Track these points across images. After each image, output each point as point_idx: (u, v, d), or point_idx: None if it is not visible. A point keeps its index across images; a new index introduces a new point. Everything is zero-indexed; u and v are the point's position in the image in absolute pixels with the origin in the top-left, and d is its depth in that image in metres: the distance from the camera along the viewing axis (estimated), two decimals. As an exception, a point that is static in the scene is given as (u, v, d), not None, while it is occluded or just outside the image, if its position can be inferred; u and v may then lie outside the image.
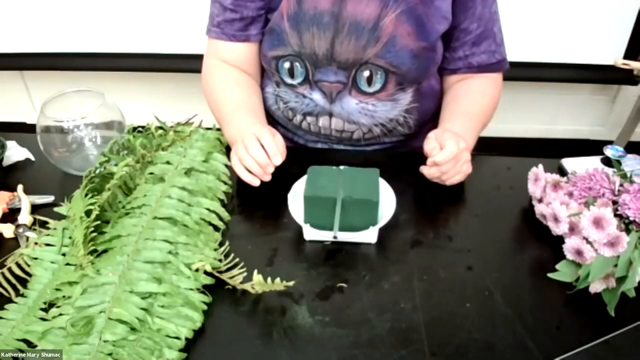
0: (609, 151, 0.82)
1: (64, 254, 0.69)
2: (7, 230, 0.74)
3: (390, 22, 0.81)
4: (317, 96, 0.89)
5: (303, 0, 0.82)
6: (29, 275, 0.67)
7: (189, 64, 1.75)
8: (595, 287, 0.65)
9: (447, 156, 0.75)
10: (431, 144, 0.77)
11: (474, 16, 0.84)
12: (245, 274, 0.65)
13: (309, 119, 0.92)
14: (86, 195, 0.70)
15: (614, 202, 0.68)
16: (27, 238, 0.72)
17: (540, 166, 0.76)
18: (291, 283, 0.61)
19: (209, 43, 0.92)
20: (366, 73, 0.85)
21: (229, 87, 0.89)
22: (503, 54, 0.90)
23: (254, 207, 0.80)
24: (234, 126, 0.84)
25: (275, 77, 0.92)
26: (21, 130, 1.01)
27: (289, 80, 0.89)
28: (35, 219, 0.76)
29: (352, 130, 0.92)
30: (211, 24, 0.90)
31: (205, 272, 0.66)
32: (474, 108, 0.87)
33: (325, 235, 0.70)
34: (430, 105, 0.93)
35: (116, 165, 0.75)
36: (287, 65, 0.87)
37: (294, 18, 0.83)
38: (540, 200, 0.75)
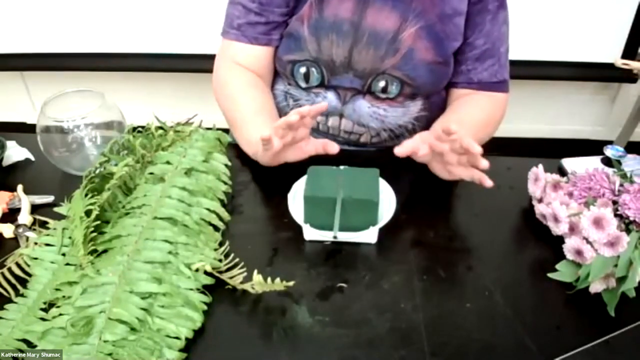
0: (609, 151, 0.82)
1: (64, 254, 0.69)
2: (7, 230, 0.74)
3: (409, 35, 0.82)
4: (330, 96, 0.89)
5: (324, 8, 0.82)
6: (29, 275, 0.67)
7: (189, 64, 1.75)
8: (595, 287, 0.65)
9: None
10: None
11: (481, 32, 0.84)
12: (245, 274, 0.65)
13: (318, 117, 0.92)
14: (86, 195, 0.70)
15: (614, 202, 0.68)
16: (27, 238, 0.72)
17: (540, 166, 0.76)
18: (291, 283, 0.61)
19: (224, 44, 0.91)
20: (382, 83, 0.86)
21: (247, 89, 0.89)
22: (505, 75, 0.89)
23: (254, 207, 0.80)
24: (256, 128, 0.82)
25: (289, 80, 0.91)
26: (21, 130, 1.01)
27: (303, 85, 0.89)
28: (35, 219, 0.76)
29: (360, 133, 0.92)
30: (229, 26, 0.89)
31: (205, 272, 0.65)
32: (469, 118, 0.86)
33: (325, 235, 0.70)
34: (439, 114, 0.93)
35: (116, 165, 0.75)
36: (303, 70, 0.87)
37: (314, 25, 0.83)
38: (540, 200, 0.75)
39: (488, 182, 0.71)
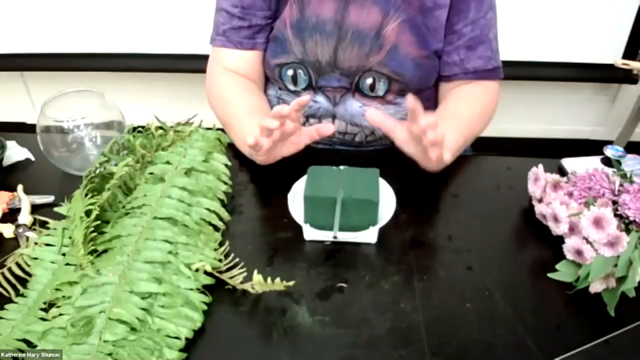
0: (609, 151, 0.82)
1: (64, 254, 0.69)
2: (7, 230, 0.74)
3: (392, 30, 0.82)
4: (320, 99, 0.89)
5: (305, 8, 0.83)
6: (29, 275, 0.67)
7: (189, 64, 1.75)
8: (595, 287, 0.65)
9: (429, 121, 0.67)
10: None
11: (467, 19, 0.84)
12: (245, 274, 0.65)
13: (311, 120, 0.92)
14: (86, 195, 0.70)
15: (614, 202, 0.68)
16: (27, 238, 0.72)
17: (540, 166, 0.75)
18: (291, 283, 0.61)
19: (214, 52, 0.92)
20: (369, 80, 0.86)
21: (240, 91, 0.89)
22: (498, 61, 0.89)
23: (254, 207, 0.80)
24: (251, 127, 0.81)
25: (279, 84, 0.92)
26: (21, 130, 1.01)
27: (292, 87, 0.90)
28: (35, 219, 0.76)
29: (354, 133, 0.92)
30: (216, 33, 0.90)
31: (205, 272, 0.66)
32: (462, 111, 0.85)
33: (325, 235, 0.70)
34: (432, 109, 0.93)
35: (116, 165, 0.75)
36: (290, 72, 0.87)
37: (296, 26, 0.83)
38: (540, 200, 0.75)
39: (445, 156, 0.71)
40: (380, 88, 0.86)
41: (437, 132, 0.67)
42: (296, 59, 0.86)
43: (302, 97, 0.72)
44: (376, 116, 0.75)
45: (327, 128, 0.76)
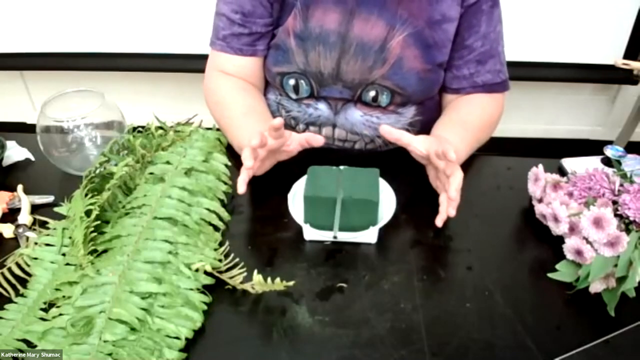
0: (609, 151, 0.82)
1: (64, 254, 0.69)
2: (7, 230, 0.74)
3: (397, 44, 0.81)
4: (322, 106, 0.89)
5: (309, 18, 0.82)
6: (29, 275, 0.67)
7: (190, 64, 1.75)
8: (595, 287, 0.65)
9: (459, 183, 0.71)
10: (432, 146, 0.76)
11: (478, 34, 0.84)
12: (245, 274, 0.65)
13: (311, 128, 0.92)
14: (86, 195, 0.70)
15: (614, 202, 0.68)
16: (27, 238, 0.72)
17: (540, 166, 0.76)
18: (291, 283, 0.61)
19: (212, 55, 0.91)
20: (372, 93, 0.85)
21: (236, 92, 0.88)
22: (506, 74, 0.89)
23: (254, 207, 0.80)
24: (247, 130, 0.82)
25: (280, 91, 0.91)
26: (21, 130, 1.01)
27: (293, 96, 0.89)
28: (35, 219, 0.76)
29: (354, 141, 0.92)
30: (215, 37, 0.89)
31: (205, 272, 0.66)
32: (471, 119, 0.86)
33: (325, 235, 0.70)
34: (433, 117, 0.92)
35: (116, 165, 0.75)
36: (292, 82, 0.87)
37: (299, 36, 0.83)
38: (540, 200, 0.75)
39: (438, 221, 0.73)
40: (383, 100, 0.86)
41: (458, 196, 0.70)
42: (298, 69, 0.85)
43: (275, 121, 0.70)
44: (391, 132, 0.76)
45: (317, 140, 0.76)
